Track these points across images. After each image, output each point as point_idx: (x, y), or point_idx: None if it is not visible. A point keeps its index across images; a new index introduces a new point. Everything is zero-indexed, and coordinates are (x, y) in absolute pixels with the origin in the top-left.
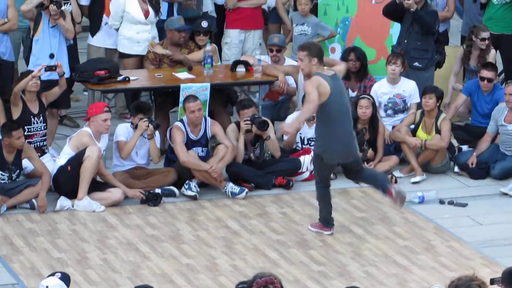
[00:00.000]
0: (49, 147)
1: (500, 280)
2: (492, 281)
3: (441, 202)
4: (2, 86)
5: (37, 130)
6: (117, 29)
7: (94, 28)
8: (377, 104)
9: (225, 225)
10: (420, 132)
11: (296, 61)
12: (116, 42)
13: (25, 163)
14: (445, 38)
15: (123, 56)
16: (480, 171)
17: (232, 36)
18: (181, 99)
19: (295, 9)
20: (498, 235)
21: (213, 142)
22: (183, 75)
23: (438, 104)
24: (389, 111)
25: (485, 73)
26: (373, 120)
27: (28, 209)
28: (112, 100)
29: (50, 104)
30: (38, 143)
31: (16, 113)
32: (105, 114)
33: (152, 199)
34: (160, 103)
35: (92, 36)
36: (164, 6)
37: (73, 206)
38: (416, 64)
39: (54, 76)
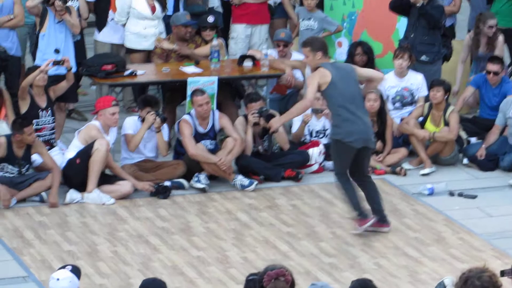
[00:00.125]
0: (58, 141)
1: (511, 272)
2: (503, 273)
3: (451, 194)
4: (9, 81)
5: (45, 124)
6: (123, 25)
7: (100, 24)
8: (384, 97)
9: (235, 218)
10: (429, 125)
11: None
12: (122, 38)
13: (34, 156)
14: (452, 32)
15: (130, 51)
16: (489, 163)
17: (238, 30)
18: (189, 92)
19: (301, 4)
20: (509, 226)
21: (222, 135)
22: (190, 69)
23: (446, 97)
24: (397, 104)
25: (491, 67)
26: (381, 113)
27: (38, 202)
28: (120, 94)
29: (57, 98)
30: (46, 137)
31: (24, 107)
32: (113, 108)
33: (161, 192)
34: (168, 98)
35: (99, 32)
36: (170, 2)
37: (82, 199)
38: (423, 58)
39: (61, 70)
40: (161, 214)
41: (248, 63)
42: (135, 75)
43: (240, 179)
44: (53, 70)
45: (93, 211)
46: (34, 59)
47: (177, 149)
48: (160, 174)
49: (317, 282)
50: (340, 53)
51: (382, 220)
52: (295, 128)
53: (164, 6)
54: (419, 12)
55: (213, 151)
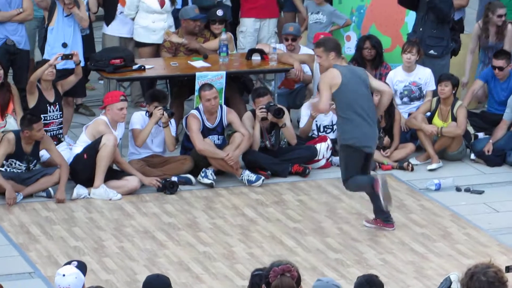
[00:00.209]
0: (65, 136)
1: None
2: (508, 269)
3: (458, 189)
4: (18, 74)
5: (53, 119)
6: (132, 19)
7: (108, 17)
8: (392, 91)
9: (242, 213)
10: (436, 120)
11: (312, 49)
12: (131, 31)
13: (42, 151)
14: (461, 26)
15: (139, 45)
16: (496, 158)
17: (247, 24)
18: (197, 87)
19: None
20: None
21: (229, 130)
22: (198, 63)
23: (454, 92)
24: (405, 99)
25: (496, 62)
26: (389, 108)
27: (45, 198)
28: (127, 88)
29: (65, 93)
30: (54, 132)
31: (32, 102)
32: (121, 103)
33: (168, 187)
34: (176, 92)
35: (107, 26)
36: None
37: (89, 194)
38: (432, 52)
39: (69, 65)
40: (168, 210)
41: (256, 57)
42: (144, 69)
43: (247, 175)
44: (61, 65)
45: (99, 207)
46: (42, 53)
47: (185, 144)
48: (167, 169)
49: (323, 278)
50: (349, 47)
51: (386, 220)
52: (302, 123)
53: (173, 0)
54: (427, 6)
55: (221, 146)
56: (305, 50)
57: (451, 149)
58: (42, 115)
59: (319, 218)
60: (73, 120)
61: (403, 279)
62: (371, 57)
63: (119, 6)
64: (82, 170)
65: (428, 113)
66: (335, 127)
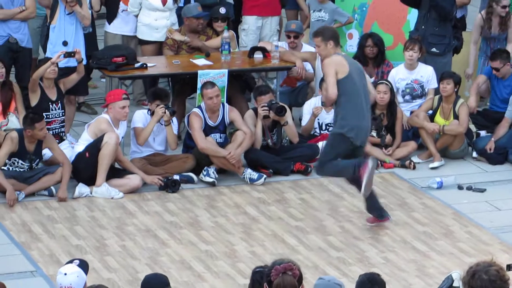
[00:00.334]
0: (67, 134)
1: None
2: (509, 267)
3: (460, 187)
4: (20, 72)
5: (55, 117)
6: (136, 16)
7: (110, 15)
8: (394, 89)
9: (244, 211)
10: (438, 118)
11: (314, 47)
12: (133, 29)
13: (44, 150)
14: (463, 23)
15: (142, 42)
16: (498, 157)
17: (249, 22)
18: (199, 85)
19: None
20: None
21: (231, 128)
22: (200, 61)
23: (456, 90)
24: (407, 97)
25: (492, 64)
26: (391, 106)
27: (47, 196)
28: (129, 86)
29: (68, 91)
30: (56, 130)
31: (34, 100)
32: (123, 101)
33: (170, 186)
34: (178, 90)
35: (109, 24)
36: None
37: (91, 193)
38: (434, 49)
39: (71, 63)
40: (170, 208)
41: (258, 55)
42: (146, 67)
43: (249, 173)
44: (63, 63)
45: (101, 205)
46: (44, 51)
47: (187, 142)
48: (169, 167)
49: (325, 276)
50: (351, 44)
51: (380, 216)
52: (305, 121)
53: None
54: (429, 4)
55: (223, 144)
56: (307, 48)
57: (453, 147)
58: (44, 113)
59: (321, 216)
60: (75, 119)
61: (405, 278)
62: (373, 55)
63: (121, 4)
64: (84, 169)
65: (430, 111)
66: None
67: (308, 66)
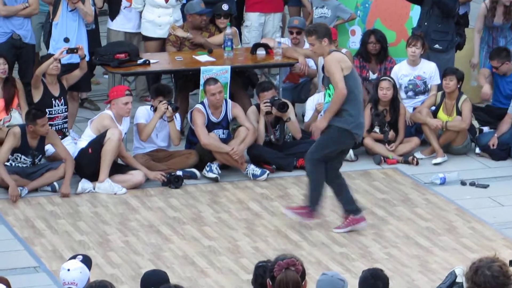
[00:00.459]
0: (70, 130)
1: None
2: None
3: (463, 183)
4: (23, 68)
5: (58, 113)
6: (140, 12)
7: (113, 12)
8: (397, 86)
9: (247, 207)
10: (441, 114)
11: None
12: (135, 26)
13: (47, 145)
14: (465, 20)
15: (146, 39)
16: (501, 152)
17: (252, 19)
18: (202, 81)
19: None
20: None
21: (234, 124)
22: (203, 58)
23: (459, 86)
24: (410, 93)
25: (491, 63)
26: (394, 102)
27: (50, 192)
28: (132, 83)
29: (70, 87)
30: (59, 126)
31: (37, 96)
32: (126, 97)
33: (173, 181)
34: (180, 86)
35: (112, 20)
36: None
37: (94, 189)
38: (437, 46)
39: (74, 59)
40: (173, 204)
41: (261, 52)
42: (148, 63)
43: (252, 169)
44: (66, 59)
45: (104, 201)
46: (47, 48)
47: (190, 138)
48: (172, 163)
49: (328, 272)
50: (354, 41)
51: (355, 212)
52: (307, 117)
53: None
54: (432, 0)
55: (226, 140)
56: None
57: (456, 143)
58: (47, 110)
59: (324, 212)
60: (78, 115)
61: (408, 273)
62: (376, 52)
63: (123, 1)
64: (87, 165)
65: (433, 107)
66: None
67: (311, 62)
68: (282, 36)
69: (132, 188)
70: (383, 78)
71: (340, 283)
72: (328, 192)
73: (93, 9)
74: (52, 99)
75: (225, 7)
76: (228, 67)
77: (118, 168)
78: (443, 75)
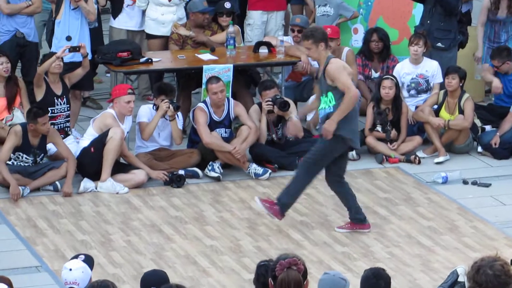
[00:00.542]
0: (72, 129)
1: None
2: None
3: (465, 182)
4: (26, 67)
5: (61, 112)
6: (144, 11)
7: (115, 10)
8: (400, 84)
9: (249, 206)
10: (443, 112)
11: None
12: (138, 24)
13: (49, 145)
14: (468, 18)
15: (149, 37)
16: (503, 151)
17: (254, 17)
18: (204, 80)
19: None
20: None
21: (236, 123)
22: (205, 56)
23: (461, 84)
24: (412, 91)
25: (492, 61)
26: (396, 101)
27: (52, 191)
28: (135, 81)
29: (73, 86)
30: (61, 125)
31: (39, 95)
32: (128, 96)
33: (175, 181)
34: (183, 84)
35: (114, 19)
36: None
37: (96, 188)
38: (439, 44)
39: (77, 58)
40: (175, 203)
41: (263, 50)
42: (151, 62)
43: (254, 168)
44: (68, 58)
45: (106, 200)
46: (50, 46)
47: (192, 137)
48: (175, 162)
49: (330, 271)
50: (356, 39)
51: (360, 220)
52: (309, 116)
53: None
54: None
55: (228, 139)
56: None
57: (458, 142)
58: (49, 108)
59: (326, 211)
60: (80, 113)
61: (410, 272)
62: (378, 50)
63: None
64: (89, 164)
65: (435, 106)
66: None
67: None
68: (285, 34)
69: (134, 187)
70: (385, 77)
71: (342, 283)
72: (328, 191)
73: (95, 7)
74: (55, 97)
75: (227, 5)
76: (231, 66)
77: (120, 167)
78: (445, 74)
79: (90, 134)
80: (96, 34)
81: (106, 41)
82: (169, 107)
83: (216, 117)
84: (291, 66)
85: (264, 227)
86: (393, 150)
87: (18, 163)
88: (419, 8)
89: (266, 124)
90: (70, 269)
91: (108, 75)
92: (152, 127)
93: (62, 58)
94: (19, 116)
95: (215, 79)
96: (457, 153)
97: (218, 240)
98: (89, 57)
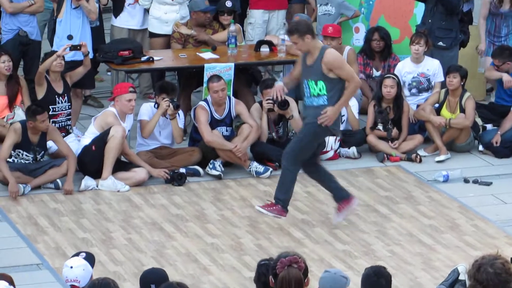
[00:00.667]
0: (74, 127)
1: None
2: None
3: (466, 181)
4: (29, 65)
5: (62, 110)
6: (147, 10)
7: (117, 9)
8: (401, 83)
9: (250, 205)
10: (445, 111)
11: (322, 41)
12: (139, 23)
13: (50, 142)
14: (469, 17)
15: (152, 35)
16: (504, 150)
17: (256, 16)
18: (205, 79)
19: None
20: None
21: (238, 122)
22: (207, 55)
23: (462, 83)
24: (414, 90)
25: (493, 60)
26: (398, 99)
27: (53, 189)
28: (136, 80)
29: (74, 84)
30: (62, 123)
31: (40, 93)
32: (129, 94)
33: (176, 179)
34: (183, 83)
35: (115, 17)
36: None
37: (97, 186)
38: (441, 43)
39: (78, 56)
40: (176, 201)
41: (265, 49)
42: (152, 61)
43: (255, 166)
44: (70, 56)
45: (107, 198)
46: (51, 45)
47: (193, 135)
48: (176, 161)
49: (330, 269)
50: (357, 38)
51: (345, 197)
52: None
53: None
54: None
55: (229, 137)
56: None
57: (459, 140)
58: (50, 106)
59: (327, 209)
60: (82, 112)
61: (411, 271)
62: (380, 49)
63: None
64: (90, 162)
65: (437, 105)
66: (343, 118)
67: None
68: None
69: (135, 185)
70: (387, 75)
71: (342, 280)
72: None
73: (97, 6)
74: (56, 96)
75: (228, 4)
76: (232, 64)
77: (121, 165)
78: (446, 73)
79: (91, 133)
80: (97, 32)
81: (107, 39)
82: (169, 106)
83: (217, 116)
84: (292, 64)
85: (265, 225)
86: (394, 149)
87: (19, 161)
88: (420, 7)
89: (267, 123)
90: (71, 267)
91: (109, 73)
92: (152, 125)
93: (63, 57)
94: (20, 115)
95: (216, 77)
96: (458, 151)
97: (219, 238)
98: (91, 55)
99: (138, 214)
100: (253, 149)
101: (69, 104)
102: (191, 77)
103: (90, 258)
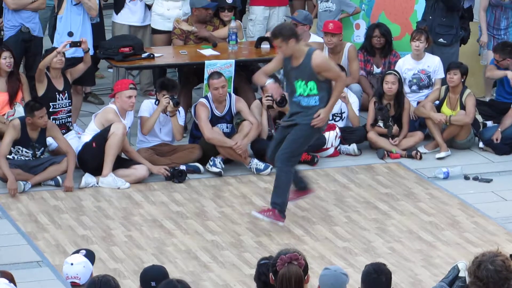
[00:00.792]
0: (74, 124)
1: None
2: None
3: (466, 177)
4: (31, 61)
5: (62, 107)
6: (150, 6)
7: (118, 5)
8: (402, 80)
9: (250, 202)
10: (445, 108)
11: (322, 37)
12: (140, 20)
13: (50, 139)
14: (470, 14)
15: (155, 32)
16: (504, 147)
17: (256, 13)
18: (206, 75)
19: None
20: None
21: (238, 119)
22: (207, 51)
23: (463, 80)
24: (414, 87)
25: (494, 55)
26: (399, 96)
27: (53, 186)
28: (136, 77)
29: (74, 81)
30: (63, 120)
31: (41, 90)
32: (130, 91)
33: (177, 176)
34: (184, 80)
35: (116, 14)
36: None
37: (97, 183)
38: (441, 40)
39: (78, 53)
40: (176, 198)
41: (265, 46)
42: (153, 57)
43: (256, 163)
44: (70, 53)
45: (108, 195)
46: (52, 41)
47: (193, 132)
48: (176, 158)
49: (331, 266)
50: (358, 35)
51: (303, 188)
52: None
53: None
54: None
55: (229, 134)
56: (314, 38)
57: (459, 137)
58: (51, 103)
59: (327, 206)
60: (82, 109)
61: (411, 268)
62: (380, 45)
63: None
64: (91, 159)
65: (437, 102)
66: (344, 115)
67: None
68: None
69: (136, 182)
70: (388, 72)
71: (343, 278)
72: (330, 187)
73: (97, 2)
74: (56, 93)
75: (229, 0)
76: (233, 61)
77: (122, 162)
78: (447, 69)
79: (92, 129)
80: (98, 29)
81: (108, 36)
82: (169, 103)
83: (217, 113)
84: None
85: (265, 222)
86: (394, 146)
87: (19, 157)
88: (421, 4)
89: (267, 120)
90: (72, 264)
91: (110, 70)
92: (152, 122)
93: (64, 53)
94: (20, 111)
95: (216, 74)
96: (458, 148)
97: (219, 235)
98: (91, 52)
99: (138, 211)
100: (254, 146)
101: (70, 101)
102: (192, 74)
103: (90, 255)
